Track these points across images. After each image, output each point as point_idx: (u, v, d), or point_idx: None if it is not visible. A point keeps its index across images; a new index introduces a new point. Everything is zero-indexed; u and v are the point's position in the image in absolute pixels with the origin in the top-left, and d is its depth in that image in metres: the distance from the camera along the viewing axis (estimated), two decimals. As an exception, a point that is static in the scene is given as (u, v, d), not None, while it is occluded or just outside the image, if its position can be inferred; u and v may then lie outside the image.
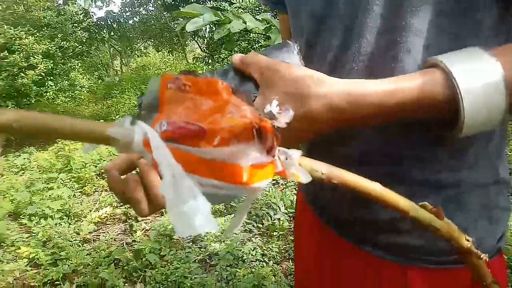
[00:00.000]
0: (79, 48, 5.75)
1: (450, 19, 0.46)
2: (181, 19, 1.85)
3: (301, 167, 0.35)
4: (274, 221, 2.68)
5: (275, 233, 2.55)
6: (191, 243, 2.53)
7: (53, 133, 0.28)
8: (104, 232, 2.78)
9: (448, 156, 0.51)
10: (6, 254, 2.35)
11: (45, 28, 5.20)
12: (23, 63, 4.68)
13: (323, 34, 0.54)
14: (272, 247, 2.40)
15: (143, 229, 2.74)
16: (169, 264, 2.26)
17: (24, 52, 4.70)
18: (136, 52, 12.19)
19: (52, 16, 5.30)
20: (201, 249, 2.45)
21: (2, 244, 2.46)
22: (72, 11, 5.86)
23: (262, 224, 2.68)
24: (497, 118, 0.40)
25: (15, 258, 2.33)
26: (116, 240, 2.66)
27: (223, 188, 0.29)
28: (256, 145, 0.30)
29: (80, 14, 5.95)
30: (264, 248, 2.41)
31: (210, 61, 6.61)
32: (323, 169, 0.37)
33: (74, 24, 5.69)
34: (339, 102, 0.40)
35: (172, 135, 0.29)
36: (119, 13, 11.50)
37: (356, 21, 0.50)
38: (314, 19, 0.55)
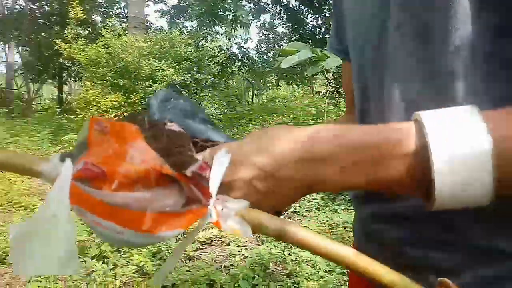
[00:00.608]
0: (211, 80, 6.33)
1: (500, 61, 0.39)
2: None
3: (242, 219, 0.31)
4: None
5: (374, 281, 2.34)
6: (285, 277, 2.48)
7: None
8: (207, 252, 2.91)
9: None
10: (121, 259, 2.62)
11: (184, 62, 5.88)
12: (163, 91, 5.36)
13: (374, 82, 0.52)
14: (369, 295, 2.21)
15: (242, 255, 2.79)
16: (259, 294, 2.25)
17: (164, 82, 5.39)
18: (268, 84, 12.87)
19: (191, 51, 5.98)
20: (294, 285, 2.38)
21: (120, 250, 2.75)
22: (209, 47, 6.53)
23: (362, 268, 2.49)
24: (481, 191, 0.32)
25: (127, 264, 2.58)
26: (216, 261, 2.76)
27: (123, 233, 0.29)
28: (172, 192, 0.29)
29: (216, 49, 6.59)
30: (360, 295, 2.23)
31: (336, 95, 6.58)
32: (273, 224, 0.32)
33: (209, 59, 6.31)
34: (304, 138, 0.36)
35: (81, 175, 0.29)
36: (254, 49, 12.39)
37: (388, 69, 0.47)
38: (369, 67, 0.53)
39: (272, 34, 13.35)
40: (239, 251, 2.83)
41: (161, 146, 0.32)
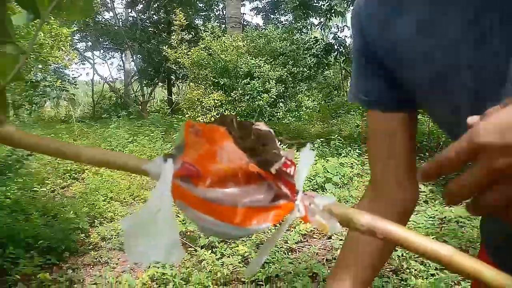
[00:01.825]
0: (307, 73, 6.31)
1: None
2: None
3: (330, 214, 0.32)
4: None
5: None
6: (391, 273, 2.39)
7: (108, 165, 0.36)
8: (309, 245, 2.93)
9: None
10: (228, 249, 2.78)
11: (280, 56, 5.96)
12: (260, 87, 5.50)
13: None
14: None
15: (344, 248, 2.75)
16: (363, 289, 2.19)
17: (262, 78, 5.52)
18: (366, 72, 12.39)
19: (286, 46, 6.02)
20: (401, 282, 2.28)
21: (226, 240, 2.91)
22: (304, 40, 6.52)
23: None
24: None
25: (233, 254, 2.72)
26: (317, 254, 2.77)
27: (219, 226, 0.31)
28: (260, 188, 0.31)
29: (311, 41, 6.55)
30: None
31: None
32: (362, 219, 0.31)
33: (304, 51, 6.29)
34: None
35: (180, 174, 0.32)
36: (351, 36, 11.98)
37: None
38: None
39: (370, 20, 12.75)
40: (340, 244, 2.80)
41: (248, 145, 0.33)
